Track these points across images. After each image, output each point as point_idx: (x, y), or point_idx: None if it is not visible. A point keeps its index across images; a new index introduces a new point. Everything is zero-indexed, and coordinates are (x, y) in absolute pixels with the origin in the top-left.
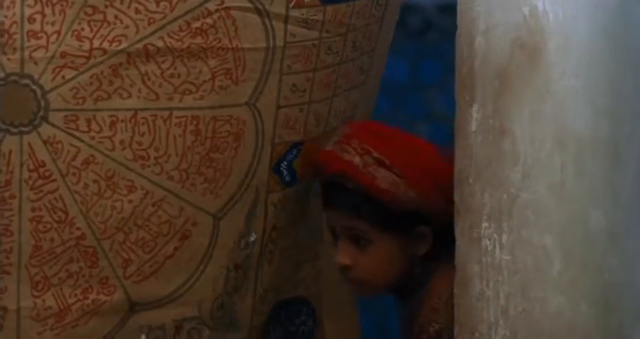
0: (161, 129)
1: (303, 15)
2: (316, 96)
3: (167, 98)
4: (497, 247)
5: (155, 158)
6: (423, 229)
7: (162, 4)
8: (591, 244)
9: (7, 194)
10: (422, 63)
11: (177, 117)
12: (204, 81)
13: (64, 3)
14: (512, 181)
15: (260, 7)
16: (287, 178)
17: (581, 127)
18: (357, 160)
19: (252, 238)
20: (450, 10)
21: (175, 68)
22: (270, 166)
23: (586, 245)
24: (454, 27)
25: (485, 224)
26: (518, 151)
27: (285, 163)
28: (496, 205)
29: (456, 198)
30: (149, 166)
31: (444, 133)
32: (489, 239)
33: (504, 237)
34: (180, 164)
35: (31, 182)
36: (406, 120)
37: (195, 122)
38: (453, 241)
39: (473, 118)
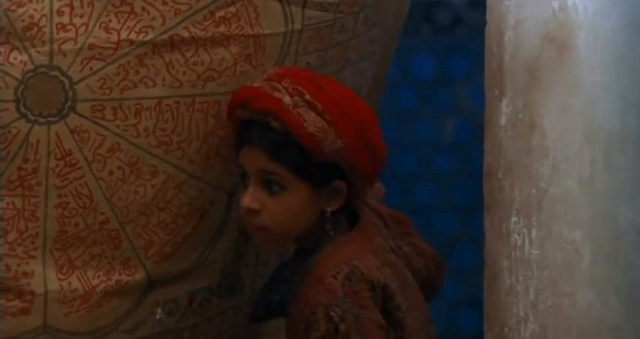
0: (184, 115)
1: None
2: (327, 71)
3: (190, 85)
4: (527, 241)
5: (178, 143)
6: (339, 184)
7: None
8: (620, 239)
9: (33, 181)
10: (450, 58)
11: (199, 103)
12: (226, 67)
13: None
14: (541, 175)
15: None
16: None
17: (610, 121)
18: (287, 99)
19: None
20: (479, 5)
21: (199, 56)
22: None
23: (615, 240)
24: (483, 22)
25: (514, 219)
26: (547, 146)
27: None
28: (525, 199)
29: (486, 192)
30: (172, 151)
31: (472, 128)
32: (519, 234)
33: (534, 232)
34: (201, 148)
35: (57, 170)
36: (433, 114)
37: (216, 107)
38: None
39: (502, 113)
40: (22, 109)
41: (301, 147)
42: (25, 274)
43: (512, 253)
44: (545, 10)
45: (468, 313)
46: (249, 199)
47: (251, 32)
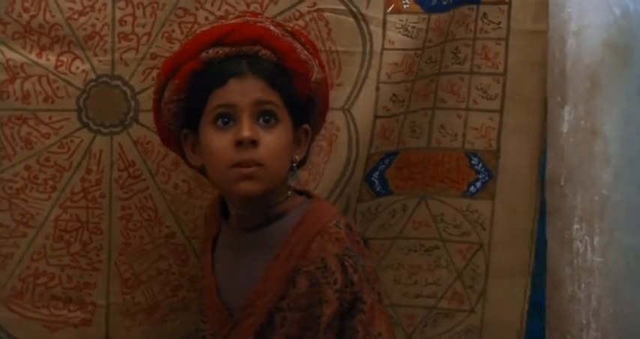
0: None
1: (402, 21)
2: (413, 106)
3: None
4: (589, 249)
5: None
6: (306, 127)
7: (252, 5)
8: None
9: (97, 193)
10: None
11: None
12: None
13: (155, 5)
14: (603, 182)
15: (354, 9)
16: (377, 188)
17: None
18: (272, 28)
19: None
20: None
21: None
22: (364, 175)
23: None
24: None
25: (576, 226)
26: (609, 152)
27: (377, 173)
28: (587, 206)
29: (548, 199)
30: None
31: None
32: (581, 241)
33: (596, 239)
34: None
35: (121, 181)
36: None
37: None
38: None
39: (564, 120)
40: (84, 119)
41: (290, 77)
42: (88, 285)
43: (575, 261)
44: (606, 16)
45: (531, 319)
46: (248, 130)
47: (322, 48)
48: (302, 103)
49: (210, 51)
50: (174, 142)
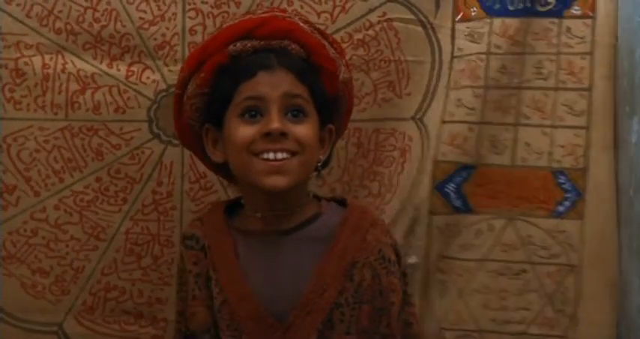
0: None
1: (469, 28)
2: (490, 117)
3: None
4: None
5: None
6: (331, 128)
7: (323, 15)
8: None
9: (168, 205)
10: None
11: None
12: (366, 93)
13: (225, 15)
14: None
15: (423, 19)
16: (456, 203)
17: None
18: (301, 24)
19: (411, 260)
20: None
21: None
22: (433, 184)
23: None
24: None
25: None
26: None
27: (452, 185)
28: None
29: (620, 210)
30: (311, 179)
31: None
32: None
33: None
34: (343, 176)
35: (192, 194)
36: None
37: (357, 134)
38: None
39: (634, 130)
40: (155, 130)
41: (318, 74)
42: (159, 301)
43: None
44: None
45: None
46: (278, 122)
47: (392, 57)
48: (329, 102)
49: (239, 44)
50: (194, 139)
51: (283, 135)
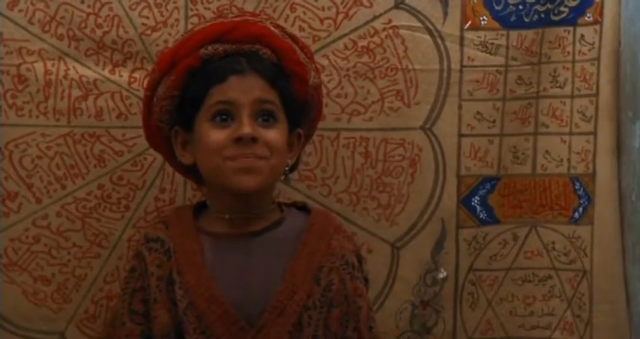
0: (328, 150)
1: (480, 38)
2: (509, 128)
3: (334, 118)
4: None
5: (322, 179)
6: (300, 132)
7: (326, 22)
8: None
9: None
10: None
11: (344, 138)
12: (372, 102)
13: None
14: None
15: (431, 26)
16: (481, 215)
17: None
18: (272, 28)
19: (441, 275)
20: None
21: (342, 88)
22: (459, 198)
23: None
24: None
25: None
26: None
27: (477, 198)
28: None
29: (622, 215)
30: (316, 187)
31: None
32: None
33: None
34: (350, 187)
35: (194, 201)
36: None
37: (364, 144)
38: None
39: (636, 135)
40: None
41: (288, 78)
42: None
43: None
44: None
45: None
46: (249, 127)
47: (399, 66)
48: (298, 107)
49: (210, 47)
50: (162, 141)
51: (254, 140)
